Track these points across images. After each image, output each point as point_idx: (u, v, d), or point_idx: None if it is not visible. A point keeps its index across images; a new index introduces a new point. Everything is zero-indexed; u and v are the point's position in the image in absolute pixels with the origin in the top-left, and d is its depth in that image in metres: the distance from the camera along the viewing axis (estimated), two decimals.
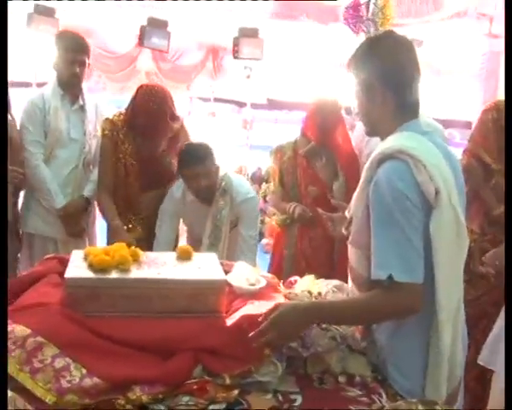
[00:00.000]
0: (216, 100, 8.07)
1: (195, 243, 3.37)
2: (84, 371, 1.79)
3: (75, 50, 3.46)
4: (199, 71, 7.40)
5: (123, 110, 3.36)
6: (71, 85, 3.53)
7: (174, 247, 3.22)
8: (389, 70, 1.91)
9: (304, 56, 7.31)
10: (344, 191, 3.40)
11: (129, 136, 3.27)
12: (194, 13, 6.34)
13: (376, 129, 2.02)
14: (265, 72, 7.59)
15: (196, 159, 3.18)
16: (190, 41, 7.23)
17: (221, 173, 3.31)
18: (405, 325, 1.87)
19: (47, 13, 5.98)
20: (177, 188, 3.37)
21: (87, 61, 3.52)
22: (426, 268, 1.79)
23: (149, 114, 3.15)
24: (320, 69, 7.16)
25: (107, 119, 3.35)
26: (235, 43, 6.60)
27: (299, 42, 7.12)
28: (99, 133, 3.44)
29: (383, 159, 1.84)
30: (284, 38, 7.03)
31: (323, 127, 3.43)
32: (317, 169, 3.55)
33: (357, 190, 1.96)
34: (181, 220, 3.49)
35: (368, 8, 5.72)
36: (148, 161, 3.31)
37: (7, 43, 1.93)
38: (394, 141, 1.89)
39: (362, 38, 5.31)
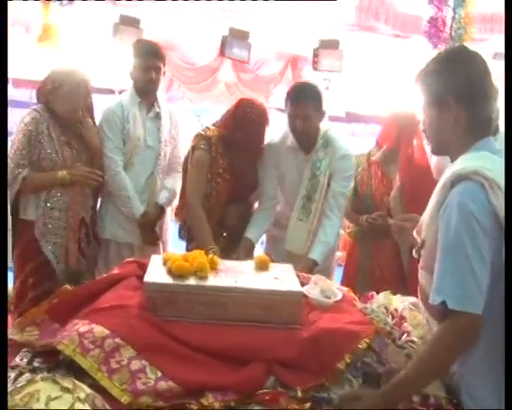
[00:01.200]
0: None
1: (288, 197, 3.42)
2: (159, 374, 1.83)
3: (150, 56, 3.51)
4: (278, 81, 7.40)
5: (210, 126, 3.39)
6: (147, 92, 3.57)
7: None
8: (463, 85, 1.84)
9: (383, 69, 7.22)
10: (399, 201, 3.35)
11: (225, 150, 3.29)
12: (274, 23, 6.37)
13: (446, 147, 1.93)
14: (344, 84, 7.54)
15: (306, 97, 3.20)
16: (270, 51, 7.26)
17: (323, 129, 3.34)
18: (476, 354, 1.78)
19: (132, 23, 6.12)
20: (277, 136, 3.44)
21: (162, 68, 3.57)
22: (497, 297, 1.70)
23: (251, 127, 3.18)
24: (398, 83, 7.05)
25: (198, 134, 3.36)
26: (315, 55, 6.59)
27: (379, 54, 7.03)
28: (192, 143, 3.44)
29: (457, 180, 1.76)
30: (363, 51, 6.96)
31: (399, 135, 3.39)
32: (391, 179, 3.49)
33: (429, 211, 1.89)
34: None
35: (447, 23, 5.63)
36: (240, 176, 3.33)
37: (7, 43, 1.97)
38: (468, 161, 1.80)
39: None
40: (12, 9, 6.12)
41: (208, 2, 6.09)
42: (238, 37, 6.46)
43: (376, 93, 7.68)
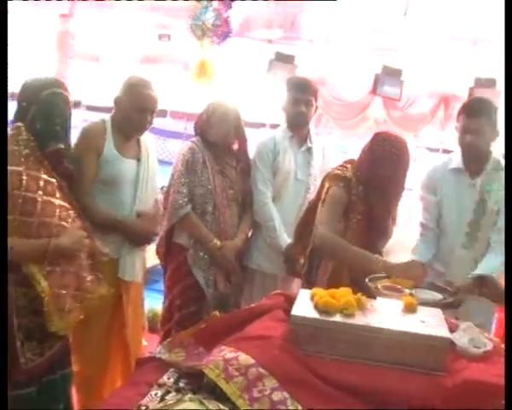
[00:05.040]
0: (444, 151, 7.84)
1: (447, 225, 3.21)
2: (299, 407, 1.83)
3: (301, 90, 3.58)
4: (428, 121, 7.26)
5: (347, 165, 3.12)
6: (298, 125, 3.63)
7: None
8: None
9: None
10: None
11: (365, 195, 2.98)
12: (427, 60, 6.28)
13: None
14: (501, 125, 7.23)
15: (480, 111, 3.05)
16: (422, 89, 7.14)
17: (494, 153, 3.15)
18: None
19: (286, 60, 6.28)
20: (439, 161, 3.31)
21: (314, 102, 3.62)
22: None
23: (390, 162, 2.89)
24: None
25: (335, 174, 3.07)
26: (470, 94, 6.39)
27: None
28: (327, 184, 3.15)
29: None
30: None
31: None
32: None
33: None
34: None
35: None
36: (375, 224, 3.04)
37: (7, 44, 2.04)
38: None
39: None
40: (172, 48, 6.55)
41: (361, 40, 6.13)
42: (391, 74, 6.42)
43: None
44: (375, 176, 2.92)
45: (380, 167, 2.90)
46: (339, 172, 3.06)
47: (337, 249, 2.95)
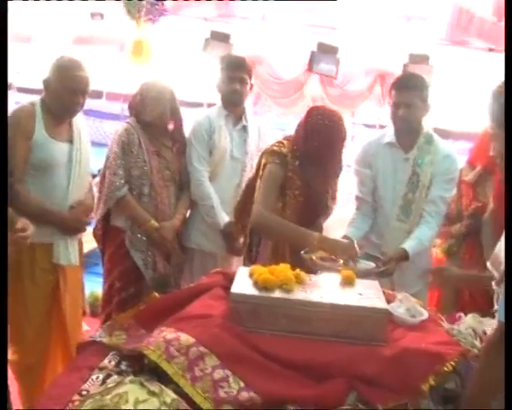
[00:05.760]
0: (381, 127, 7.95)
1: (383, 199, 3.27)
2: (241, 384, 1.84)
3: (235, 68, 3.59)
4: (366, 97, 7.31)
5: (284, 141, 3.08)
6: (232, 103, 3.63)
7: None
8: None
9: (475, 84, 7.03)
10: (490, 226, 3.24)
11: (302, 170, 2.97)
12: (363, 38, 6.34)
13: None
14: (433, 99, 7.38)
15: (411, 85, 3.12)
16: (359, 67, 7.20)
17: (425, 127, 3.22)
18: None
19: (222, 39, 6.23)
20: (373, 135, 3.37)
21: (248, 80, 3.62)
22: None
23: (325, 134, 2.87)
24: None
25: (271, 150, 3.03)
26: (404, 70, 6.49)
27: (471, 69, 6.85)
28: (264, 160, 3.11)
29: None
30: (454, 66, 6.81)
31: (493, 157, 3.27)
32: (483, 201, 3.38)
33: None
34: None
35: None
36: (314, 199, 3.04)
37: (7, 43, 2.02)
38: None
39: None
40: (106, 28, 6.41)
41: (297, 18, 6.14)
42: (326, 52, 6.45)
43: (466, 109, 7.48)
44: (311, 149, 2.91)
45: (315, 140, 2.89)
46: (275, 148, 3.04)
47: (272, 227, 2.91)
